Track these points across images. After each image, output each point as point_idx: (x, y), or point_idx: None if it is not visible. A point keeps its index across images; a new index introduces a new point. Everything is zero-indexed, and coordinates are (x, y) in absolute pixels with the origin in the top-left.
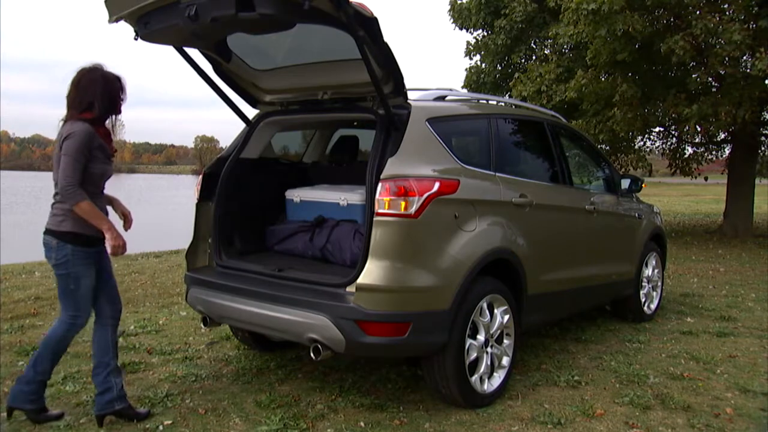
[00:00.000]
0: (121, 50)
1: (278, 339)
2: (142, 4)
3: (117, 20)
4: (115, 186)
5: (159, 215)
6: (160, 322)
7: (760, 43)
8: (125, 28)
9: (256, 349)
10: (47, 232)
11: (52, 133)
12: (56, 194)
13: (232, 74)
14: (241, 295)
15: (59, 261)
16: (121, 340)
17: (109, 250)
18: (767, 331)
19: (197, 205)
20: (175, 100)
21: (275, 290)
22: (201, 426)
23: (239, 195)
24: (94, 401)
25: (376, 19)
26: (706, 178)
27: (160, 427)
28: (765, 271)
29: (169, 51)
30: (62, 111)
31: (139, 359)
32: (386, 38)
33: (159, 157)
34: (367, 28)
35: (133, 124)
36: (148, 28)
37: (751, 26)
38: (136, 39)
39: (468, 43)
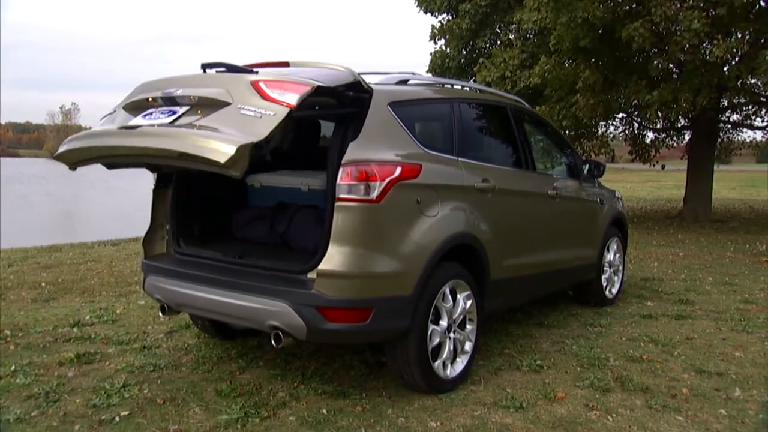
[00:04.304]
0: (76, 30)
1: (239, 327)
2: (94, 155)
3: (75, 167)
4: (72, 173)
5: (116, 202)
6: (118, 311)
7: (718, 30)
8: (85, 12)
9: (216, 337)
10: None
11: None
12: None
13: None
14: (200, 282)
15: None
16: (75, 330)
17: None
18: (723, 314)
19: (154, 191)
20: (137, 83)
21: (235, 277)
22: (159, 416)
23: (197, 180)
24: None
25: (315, 86)
26: (663, 167)
27: (117, 419)
28: (722, 255)
29: (132, 33)
30: None
31: (94, 350)
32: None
33: None
34: (320, 94)
35: (90, 108)
36: (110, 166)
37: (710, 13)
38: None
39: (433, 26)
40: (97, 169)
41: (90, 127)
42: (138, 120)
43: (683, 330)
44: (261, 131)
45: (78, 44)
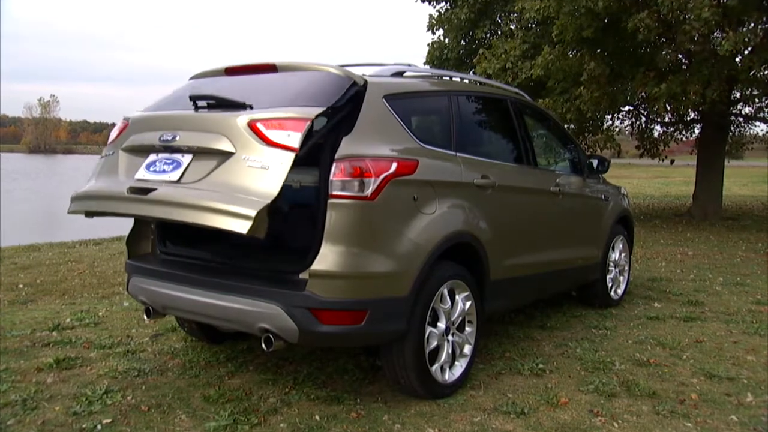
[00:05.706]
0: (53, 20)
1: (228, 330)
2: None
3: (92, 216)
4: (50, 168)
5: None
6: (100, 313)
7: (729, 20)
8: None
9: (204, 340)
10: None
11: None
12: None
13: None
14: (187, 283)
15: None
16: (55, 333)
17: None
18: (734, 315)
19: None
20: (116, 75)
21: (223, 278)
22: (143, 424)
23: None
24: None
25: (314, 117)
26: (672, 162)
27: (99, 427)
28: (733, 254)
29: (113, 24)
30: None
31: (75, 354)
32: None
33: (99, 137)
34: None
35: (69, 100)
36: None
37: (721, 1)
38: None
39: (430, 16)
40: (82, 165)
41: (69, 121)
42: (143, 173)
43: (692, 332)
44: (272, 186)
45: (56, 34)
